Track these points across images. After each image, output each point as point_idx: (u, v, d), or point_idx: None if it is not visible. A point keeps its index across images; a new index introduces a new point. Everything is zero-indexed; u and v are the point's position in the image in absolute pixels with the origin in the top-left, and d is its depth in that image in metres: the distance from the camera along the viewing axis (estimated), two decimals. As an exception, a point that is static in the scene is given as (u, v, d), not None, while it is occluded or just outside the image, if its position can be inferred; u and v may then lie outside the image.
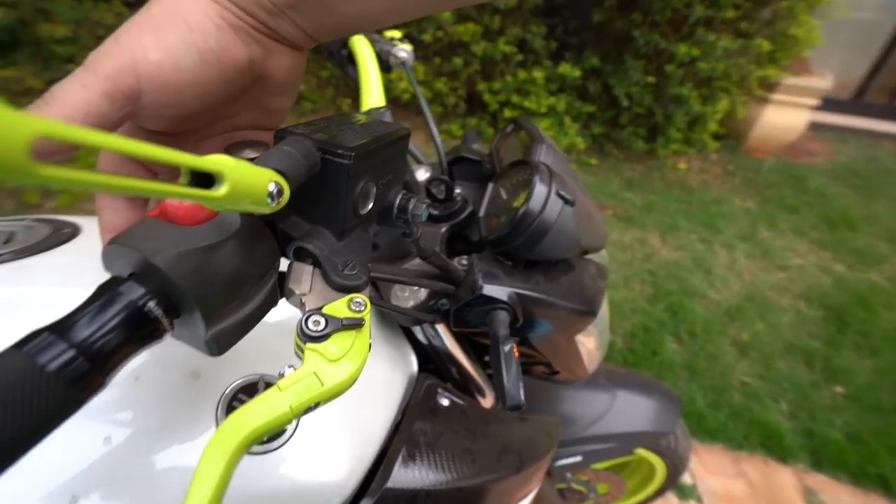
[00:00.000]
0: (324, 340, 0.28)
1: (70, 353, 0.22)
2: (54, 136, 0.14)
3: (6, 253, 0.44)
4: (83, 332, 0.23)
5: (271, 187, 0.25)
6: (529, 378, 0.66)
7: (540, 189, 0.49)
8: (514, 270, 0.52)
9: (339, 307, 0.30)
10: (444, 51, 2.92)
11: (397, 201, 0.36)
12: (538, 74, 2.90)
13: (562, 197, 0.49)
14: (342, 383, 0.27)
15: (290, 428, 0.41)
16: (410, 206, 0.36)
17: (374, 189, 0.34)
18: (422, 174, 0.67)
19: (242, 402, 0.36)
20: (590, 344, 0.65)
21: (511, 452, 0.57)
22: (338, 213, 0.31)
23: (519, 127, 0.64)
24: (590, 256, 0.61)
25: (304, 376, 0.27)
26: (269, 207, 0.25)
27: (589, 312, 0.55)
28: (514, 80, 2.95)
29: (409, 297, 0.59)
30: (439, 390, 0.57)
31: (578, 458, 0.88)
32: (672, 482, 1.05)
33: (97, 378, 0.23)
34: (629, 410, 0.90)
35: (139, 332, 0.25)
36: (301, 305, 0.30)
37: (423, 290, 0.57)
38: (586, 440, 0.87)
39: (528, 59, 2.97)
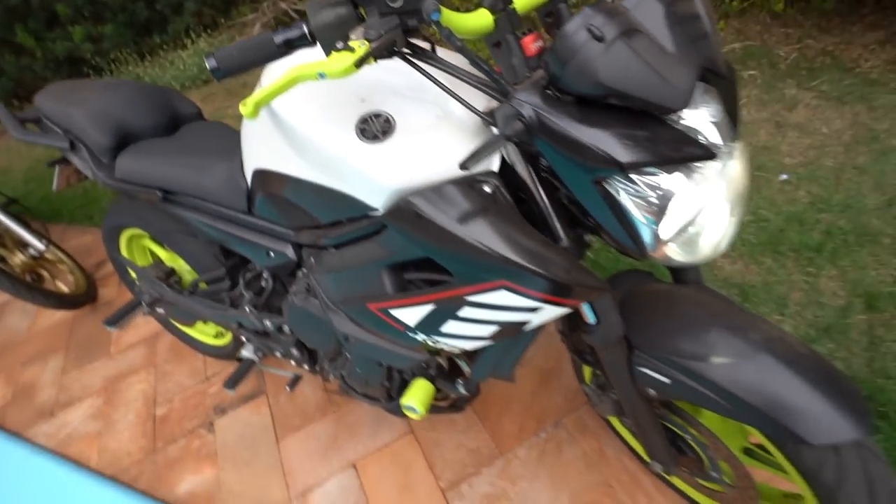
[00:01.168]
0: (337, 51, 0.59)
1: (287, 33, 0.62)
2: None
3: None
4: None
5: None
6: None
7: (574, 22, 0.54)
8: (559, 101, 0.60)
9: (357, 44, 0.58)
10: None
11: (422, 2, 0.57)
12: None
13: (591, 32, 0.54)
14: (329, 73, 0.58)
15: (385, 139, 0.72)
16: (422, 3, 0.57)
17: None
18: None
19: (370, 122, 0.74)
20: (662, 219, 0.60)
21: (509, 242, 0.65)
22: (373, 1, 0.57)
23: None
24: (686, 120, 0.60)
25: (314, 65, 0.59)
26: None
27: (607, 158, 0.57)
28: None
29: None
30: (489, 181, 0.69)
31: (666, 381, 0.77)
32: None
33: (287, 51, 0.63)
34: (765, 382, 0.68)
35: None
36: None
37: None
38: (683, 370, 0.74)
39: None
